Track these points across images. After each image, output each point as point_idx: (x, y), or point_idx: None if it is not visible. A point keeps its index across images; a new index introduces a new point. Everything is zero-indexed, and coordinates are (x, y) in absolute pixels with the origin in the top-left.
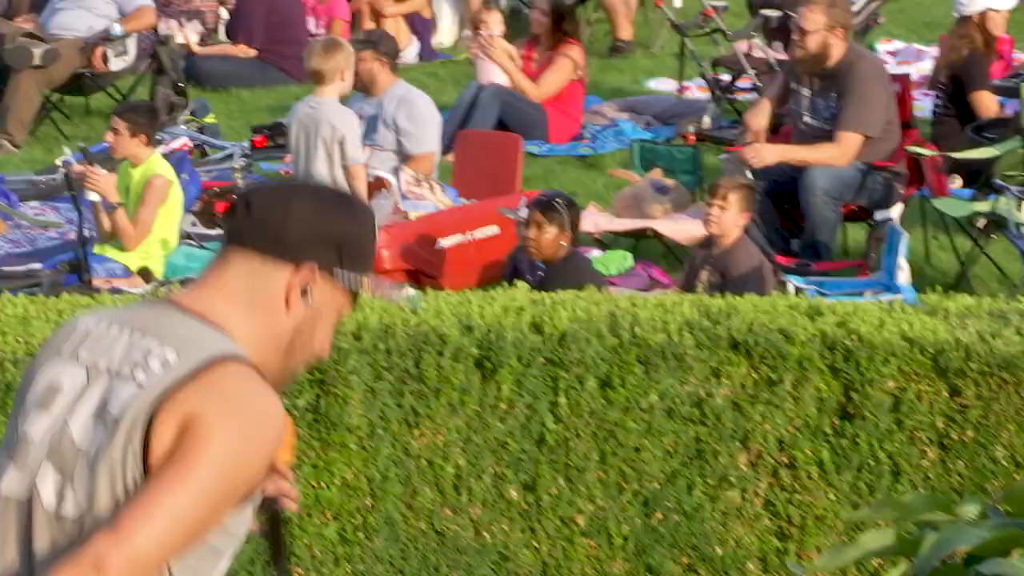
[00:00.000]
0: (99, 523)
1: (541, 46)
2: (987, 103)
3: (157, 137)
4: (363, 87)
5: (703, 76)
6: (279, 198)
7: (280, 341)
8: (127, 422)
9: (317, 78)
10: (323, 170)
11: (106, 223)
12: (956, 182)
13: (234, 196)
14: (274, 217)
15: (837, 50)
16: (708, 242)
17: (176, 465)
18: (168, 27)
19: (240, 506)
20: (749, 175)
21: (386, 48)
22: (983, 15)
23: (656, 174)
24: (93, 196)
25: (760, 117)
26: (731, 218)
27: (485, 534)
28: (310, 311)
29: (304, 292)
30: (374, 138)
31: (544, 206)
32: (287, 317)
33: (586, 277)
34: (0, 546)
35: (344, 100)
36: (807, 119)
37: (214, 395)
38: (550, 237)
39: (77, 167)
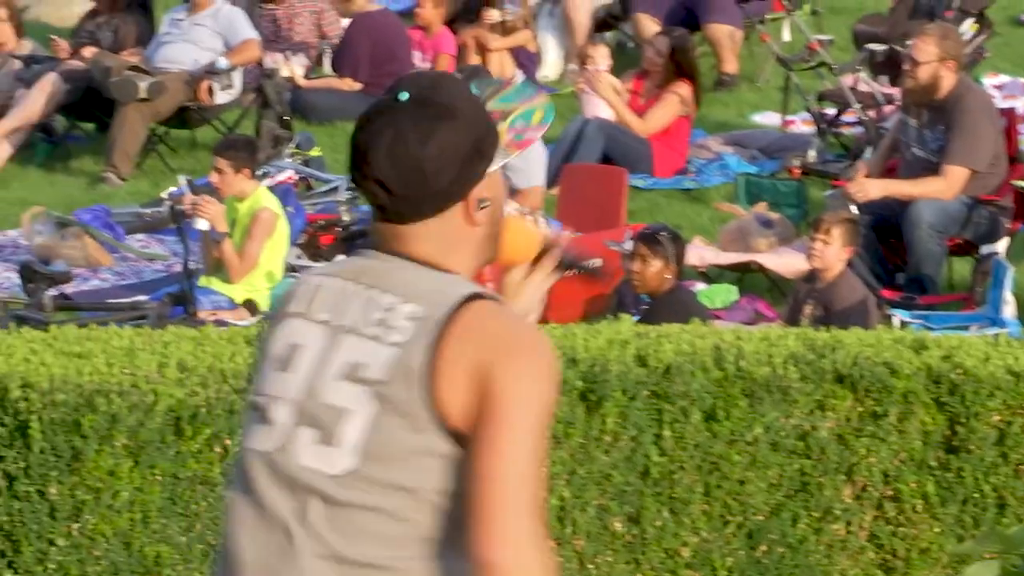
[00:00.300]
0: (368, 481)
1: (650, 81)
2: None
3: (263, 170)
4: None
5: (808, 110)
6: (403, 162)
7: (481, 243)
8: (402, 384)
9: None
10: None
11: (214, 251)
12: None
13: (359, 181)
14: (419, 182)
15: (948, 82)
16: (812, 276)
17: (501, 430)
18: (273, 60)
19: None
20: (854, 210)
21: None
22: None
23: (761, 208)
24: (202, 225)
25: (877, 163)
26: (834, 252)
27: (590, 566)
28: (491, 206)
29: (480, 206)
30: None
31: (649, 239)
32: (477, 230)
33: (691, 310)
34: (262, 502)
35: None
36: (915, 150)
37: (487, 342)
38: (655, 270)
39: (189, 196)
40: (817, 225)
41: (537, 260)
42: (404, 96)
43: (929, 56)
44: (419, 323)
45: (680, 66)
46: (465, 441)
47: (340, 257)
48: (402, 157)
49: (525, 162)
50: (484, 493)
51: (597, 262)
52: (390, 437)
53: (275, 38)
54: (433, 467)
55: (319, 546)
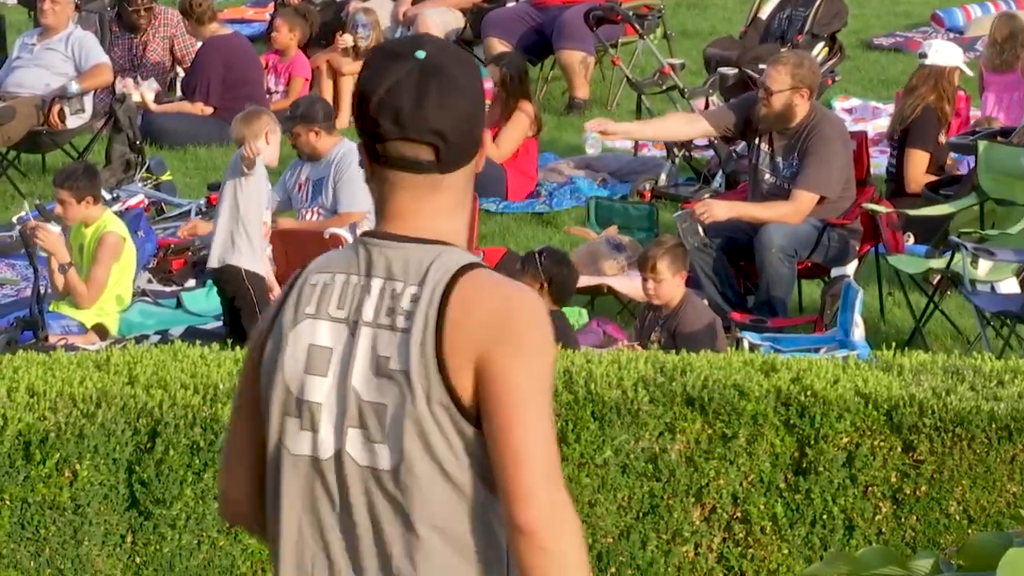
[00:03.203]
0: (415, 471)
1: (493, 110)
2: (917, 163)
3: (115, 194)
4: (308, 156)
5: None
6: (459, 109)
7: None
8: (418, 375)
9: (239, 145)
10: (231, 198)
11: (59, 281)
12: (909, 239)
13: (400, 139)
14: (469, 130)
15: (801, 110)
16: (657, 304)
17: (515, 410)
18: (124, 85)
19: None
20: (702, 232)
21: (314, 115)
22: (953, 70)
23: (612, 231)
24: (43, 252)
25: (716, 113)
26: (667, 286)
27: None
28: None
29: None
30: (319, 200)
31: (522, 262)
32: (473, 177)
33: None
34: (316, 505)
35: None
36: (767, 177)
37: (482, 328)
38: None
39: (30, 223)
40: (643, 264)
41: None
42: (422, 54)
43: (782, 84)
44: (418, 306)
45: (513, 94)
46: (473, 417)
47: (330, 254)
48: (455, 107)
49: (350, 187)
50: (512, 470)
51: None
52: (422, 424)
53: (128, 64)
54: (462, 444)
55: (381, 536)
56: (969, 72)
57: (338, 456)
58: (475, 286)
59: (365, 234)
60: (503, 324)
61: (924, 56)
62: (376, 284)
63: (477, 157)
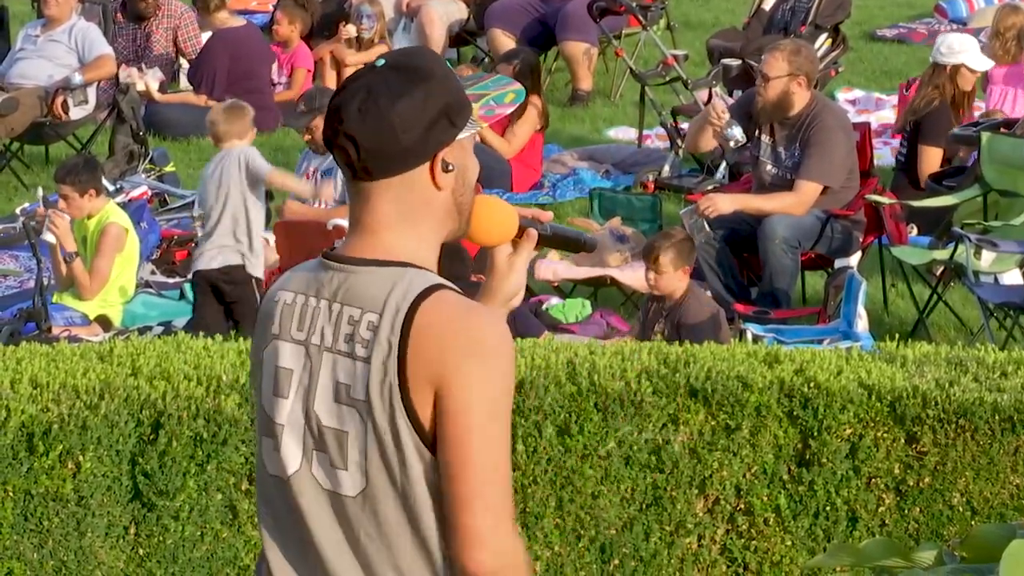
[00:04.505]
0: (378, 498)
1: None
2: (931, 159)
3: (118, 185)
4: (324, 149)
5: (663, 125)
6: (373, 118)
7: (448, 212)
8: (380, 404)
9: (216, 139)
10: (238, 203)
11: (63, 270)
12: (913, 230)
13: (333, 141)
14: (387, 138)
15: (800, 98)
16: (659, 295)
17: (459, 434)
18: (128, 75)
19: None
20: (707, 227)
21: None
22: (956, 68)
23: (615, 223)
24: (49, 237)
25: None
26: (668, 279)
27: None
28: (457, 170)
29: (445, 168)
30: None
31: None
32: (442, 194)
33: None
34: (286, 524)
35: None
36: (769, 168)
37: (440, 353)
38: None
39: (40, 209)
40: (647, 254)
41: (518, 238)
42: (380, 62)
43: (779, 71)
44: (378, 334)
45: (525, 87)
46: (431, 444)
47: (294, 270)
48: (372, 113)
49: None
50: (464, 510)
51: (580, 232)
52: (386, 453)
53: (132, 55)
54: (422, 472)
55: (350, 559)
56: (980, 69)
57: (301, 478)
58: (437, 312)
59: (325, 254)
60: (459, 348)
61: (939, 52)
62: (329, 307)
63: (423, 173)
